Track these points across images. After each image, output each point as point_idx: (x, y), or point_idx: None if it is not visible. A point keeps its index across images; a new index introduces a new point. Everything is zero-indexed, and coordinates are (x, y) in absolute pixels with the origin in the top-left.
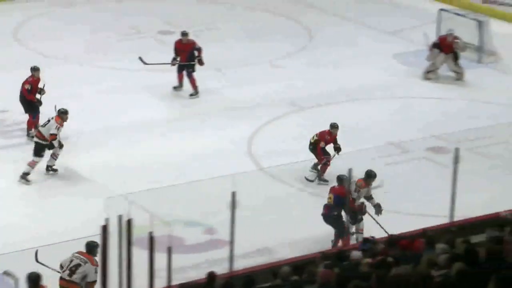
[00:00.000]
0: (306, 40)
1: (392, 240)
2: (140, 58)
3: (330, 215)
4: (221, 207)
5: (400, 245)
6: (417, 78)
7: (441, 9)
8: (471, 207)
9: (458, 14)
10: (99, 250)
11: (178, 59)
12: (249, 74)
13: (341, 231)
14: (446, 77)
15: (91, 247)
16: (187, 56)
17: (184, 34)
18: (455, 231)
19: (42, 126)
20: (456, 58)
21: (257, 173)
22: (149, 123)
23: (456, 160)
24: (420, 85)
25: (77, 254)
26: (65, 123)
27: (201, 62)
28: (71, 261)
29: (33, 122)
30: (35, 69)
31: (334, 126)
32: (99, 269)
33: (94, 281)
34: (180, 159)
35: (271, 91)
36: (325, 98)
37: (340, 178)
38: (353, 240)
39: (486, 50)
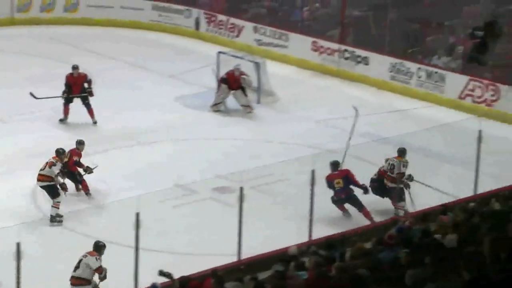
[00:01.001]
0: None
1: (183, 282)
2: (31, 93)
3: (350, 195)
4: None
5: (190, 286)
6: (200, 119)
7: (220, 52)
8: (258, 244)
9: (236, 56)
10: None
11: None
12: (31, 122)
13: (360, 205)
14: (233, 114)
15: (97, 246)
16: (80, 88)
17: (75, 68)
18: (244, 269)
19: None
20: (244, 93)
21: (43, 222)
22: None
23: (241, 199)
24: (203, 126)
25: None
26: None
27: (91, 94)
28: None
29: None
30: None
31: (80, 143)
32: None
33: (99, 267)
34: None
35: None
36: (108, 143)
37: (334, 163)
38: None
39: (264, 90)
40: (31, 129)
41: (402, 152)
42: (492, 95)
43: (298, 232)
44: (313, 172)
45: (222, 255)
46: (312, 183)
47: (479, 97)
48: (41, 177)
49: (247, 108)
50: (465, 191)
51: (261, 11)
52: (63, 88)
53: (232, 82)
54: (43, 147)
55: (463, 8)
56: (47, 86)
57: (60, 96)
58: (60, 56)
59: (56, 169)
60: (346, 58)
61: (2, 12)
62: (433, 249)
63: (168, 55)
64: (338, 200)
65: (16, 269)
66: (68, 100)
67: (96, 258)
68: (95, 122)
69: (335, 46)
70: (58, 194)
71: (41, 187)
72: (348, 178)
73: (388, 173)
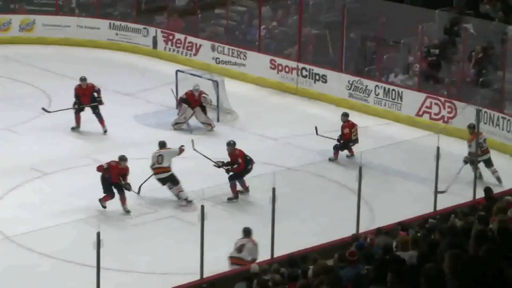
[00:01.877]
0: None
1: None
2: (43, 108)
3: None
4: None
5: None
6: (158, 137)
7: (178, 70)
8: (220, 262)
9: (194, 75)
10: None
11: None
12: None
13: None
14: (194, 132)
15: (247, 231)
16: (89, 98)
17: (83, 79)
18: None
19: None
20: (204, 111)
21: (3, 242)
22: None
23: (202, 217)
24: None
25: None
26: None
27: (101, 103)
28: (236, 243)
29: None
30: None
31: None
32: None
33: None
34: None
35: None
36: (68, 162)
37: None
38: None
39: (223, 108)
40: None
41: None
42: (449, 112)
43: (259, 250)
44: (273, 190)
45: (185, 274)
46: (273, 200)
47: (436, 114)
48: (159, 170)
49: (207, 126)
50: (425, 208)
51: (218, 30)
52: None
53: (192, 101)
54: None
55: (418, 27)
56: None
57: (71, 108)
58: (15, 75)
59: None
60: (304, 76)
61: None
62: (395, 265)
63: (126, 74)
64: None
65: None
66: (79, 110)
67: (256, 248)
68: (105, 131)
69: (293, 64)
70: (178, 181)
71: (160, 179)
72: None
73: None
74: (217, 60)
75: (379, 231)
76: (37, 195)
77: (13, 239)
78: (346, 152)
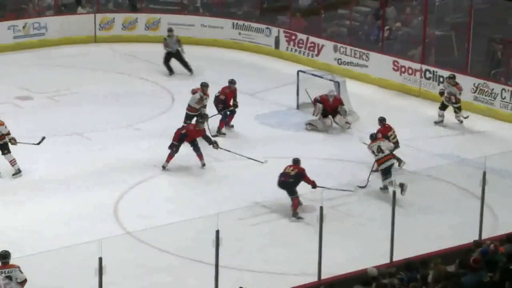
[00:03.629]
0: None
1: None
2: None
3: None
4: (89, 274)
5: None
6: (280, 138)
7: (299, 71)
8: (338, 264)
9: (316, 75)
10: None
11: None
12: (113, 137)
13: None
14: (316, 132)
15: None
16: (229, 102)
17: (232, 82)
18: None
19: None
20: (340, 114)
21: (125, 237)
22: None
23: (320, 218)
24: (283, 145)
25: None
26: None
27: (236, 106)
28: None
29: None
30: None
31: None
32: None
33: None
34: (46, 225)
35: (136, 154)
36: (187, 161)
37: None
38: None
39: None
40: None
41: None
42: None
43: (378, 253)
44: (394, 193)
45: (303, 275)
46: (393, 203)
47: None
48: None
49: (346, 125)
50: None
51: (340, 30)
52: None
53: (326, 105)
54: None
55: None
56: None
57: (217, 114)
58: (140, 73)
59: None
60: (428, 78)
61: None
62: None
63: (248, 74)
64: None
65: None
66: (231, 113)
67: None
68: (229, 127)
69: (416, 66)
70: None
71: None
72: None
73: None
74: (339, 61)
75: (509, 239)
76: (158, 191)
77: (134, 234)
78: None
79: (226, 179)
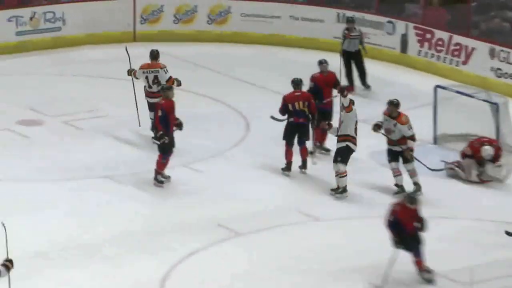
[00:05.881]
0: None
1: None
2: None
3: None
4: None
5: None
6: None
7: (438, 86)
8: None
9: (463, 93)
10: None
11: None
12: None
13: None
14: None
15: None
16: (330, 90)
17: (323, 62)
18: None
19: None
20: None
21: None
22: None
23: None
24: None
25: None
26: None
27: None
28: None
29: None
30: None
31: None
32: None
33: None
34: None
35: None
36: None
37: None
38: None
39: (504, 144)
40: None
41: None
42: None
43: None
44: None
45: None
46: None
47: None
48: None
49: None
50: None
51: (502, 26)
52: None
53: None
54: None
55: None
56: None
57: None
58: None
59: None
60: None
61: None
62: None
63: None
64: None
65: None
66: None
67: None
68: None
69: None
70: None
71: None
72: None
73: None
74: (498, 72)
75: None
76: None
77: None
78: None
79: None
